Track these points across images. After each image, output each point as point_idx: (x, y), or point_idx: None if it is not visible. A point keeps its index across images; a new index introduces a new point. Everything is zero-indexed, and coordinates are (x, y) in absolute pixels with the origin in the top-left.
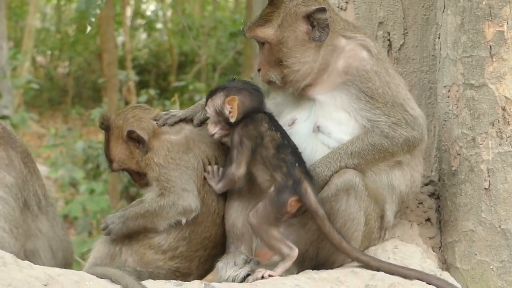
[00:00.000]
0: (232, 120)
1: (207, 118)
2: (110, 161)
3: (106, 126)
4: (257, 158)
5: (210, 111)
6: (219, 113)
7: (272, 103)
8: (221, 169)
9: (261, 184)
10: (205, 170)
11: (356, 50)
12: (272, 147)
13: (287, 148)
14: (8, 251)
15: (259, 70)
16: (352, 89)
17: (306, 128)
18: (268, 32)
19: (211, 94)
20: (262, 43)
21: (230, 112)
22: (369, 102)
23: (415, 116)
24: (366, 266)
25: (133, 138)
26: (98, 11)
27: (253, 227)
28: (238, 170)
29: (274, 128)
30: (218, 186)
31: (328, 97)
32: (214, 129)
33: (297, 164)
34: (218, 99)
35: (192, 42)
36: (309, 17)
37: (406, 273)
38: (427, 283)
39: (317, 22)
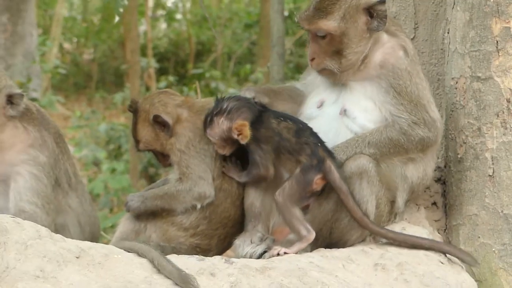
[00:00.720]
0: (244, 142)
1: None
2: (137, 141)
3: (134, 109)
4: (282, 152)
5: (215, 139)
6: (227, 138)
7: (301, 84)
8: (237, 161)
9: (288, 170)
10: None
11: (395, 48)
12: (292, 136)
13: (305, 130)
14: (40, 224)
15: (312, 59)
16: (383, 82)
17: (333, 110)
18: (331, 24)
19: (210, 122)
20: (321, 35)
21: (239, 135)
22: (395, 97)
23: (434, 118)
24: (385, 237)
25: (159, 122)
26: (126, 2)
27: (278, 204)
28: (267, 171)
29: (282, 118)
30: (242, 179)
31: (360, 85)
32: (224, 150)
33: (319, 144)
34: (222, 126)
35: (212, 30)
36: (369, 9)
37: (420, 242)
38: (439, 251)
39: (377, 13)
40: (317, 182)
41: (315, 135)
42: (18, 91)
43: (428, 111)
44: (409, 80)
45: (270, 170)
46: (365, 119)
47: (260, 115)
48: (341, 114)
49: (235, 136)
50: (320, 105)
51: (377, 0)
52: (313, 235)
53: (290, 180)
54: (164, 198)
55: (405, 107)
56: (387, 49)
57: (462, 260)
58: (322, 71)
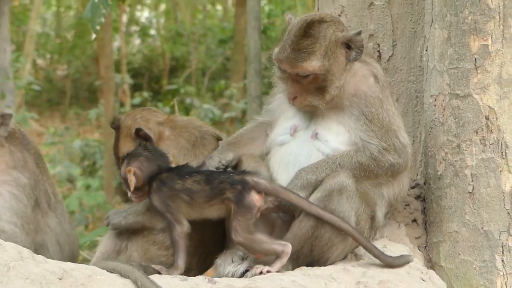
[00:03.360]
0: (131, 188)
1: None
2: (117, 158)
3: (116, 126)
4: (202, 201)
5: (121, 179)
6: (125, 181)
7: (265, 114)
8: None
9: (224, 211)
10: None
11: (366, 76)
12: (204, 185)
13: (212, 173)
14: (20, 244)
15: (294, 98)
16: (355, 110)
17: (305, 134)
18: (315, 64)
19: (122, 161)
20: (304, 75)
21: (130, 181)
22: (366, 124)
23: (404, 144)
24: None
25: (141, 136)
26: (102, 20)
27: (240, 244)
28: (182, 227)
29: (187, 175)
30: (180, 262)
31: (332, 112)
32: (133, 195)
33: (230, 174)
34: (122, 168)
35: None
36: (348, 41)
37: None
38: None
39: (355, 45)
40: (256, 199)
41: (222, 172)
42: (9, 111)
43: (399, 137)
44: (380, 107)
45: (183, 223)
46: (336, 141)
47: (161, 172)
48: (312, 137)
49: (129, 181)
50: (293, 131)
51: (354, 32)
52: (289, 246)
53: (234, 218)
54: (145, 215)
55: (376, 133)
56: (359, 77)
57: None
58: (304, 107)
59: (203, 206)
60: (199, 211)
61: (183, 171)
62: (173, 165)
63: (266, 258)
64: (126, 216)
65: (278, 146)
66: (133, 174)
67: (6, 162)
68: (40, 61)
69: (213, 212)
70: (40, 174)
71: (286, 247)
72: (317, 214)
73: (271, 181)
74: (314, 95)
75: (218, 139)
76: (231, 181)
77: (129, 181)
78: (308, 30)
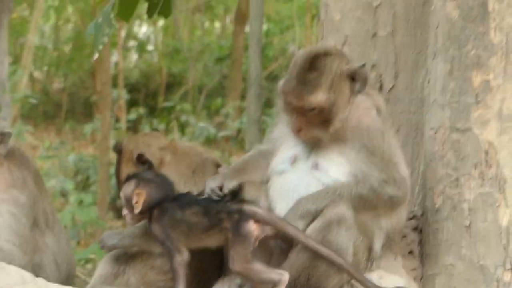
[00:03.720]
0: (135, 211)
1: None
2: (119, 181)
3: (118, 150)
4: (200, 232)
5: (121, 196)
6: (128, 201)
7: (267, 144)
8: None
9: (222, 240)
10: None
11: (370, 109)
12: (201, 218)
13: (210, 204)
14: (17, 264)
15: (299, 130)
16: (356, 142)
17: (305, 165)
18: (322, 97)
19: (126, 180)
20: (309, 109)
21: (136, 203)
22: (367, 156)
23: (404, 177)
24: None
25: (142, 162)
26: (106, 39)
27: (239, 273)
28: (181, 255)
29: (185, 205)
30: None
31: (333, 143)
32: (128, 216)
33: (227, 203)
34: (129, 187)
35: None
36: (352, 74)
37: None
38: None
39: (359, 77)
40: (253, 229)
41: (220, 200)
42: (8, 130)
43: (399, 170)
44: (382, 140)
45: (182, 251)
46: (337, 172)
47: (164, 200)
48: (312, 168)
49: (133, 203)
50: (294, 161)
51: (359, 65)
52: (286, 275)
53: (232, 247)
54: (142, 238)
55: (377, 165)
56: (362, 110)
57: None
58: (309, 139)
59: (201, 237)
60: (198, 241)
61: (183, 200)
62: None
63: (264, 287)
64: (122, 238)
65: (277, 175)
66: (142, 198)
67: (5, 180)
68: (37, 74)
69: (211, 241)
70: (38, 193)
71: (283, 276)
72: (313, 248)
73: (270, 210)
74: (319, 128)
75: (218, 166)
76: (228, 210)
77: (134, 203)
78: (314, 63)
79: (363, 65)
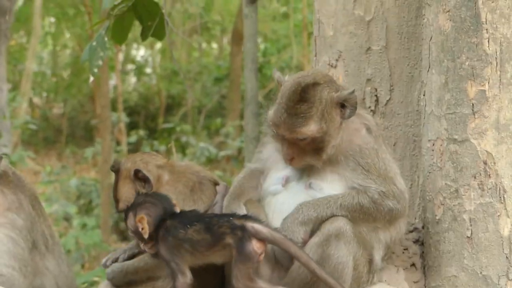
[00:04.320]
0: (146, 236)
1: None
2: (116, 201)
3: (116, 169)
4: (204, 250)
5: (130, 233)
6: (137, 233)
7: (257, 163)
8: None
9: (224, 257)
10: None
11: (359, 129)
12: (204, 234)
13: (212, 219)
14: None
15: (291, 159)
16: (350, 162)
17: (298, 186)
18: (314, 128)
19: (125, 216)
20: (301, 139)
21: (142, 229)
22: (363, 173)
23: (401, 190)
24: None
25: (139, 178)
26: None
27: None
28: (185, 278)
29: (188, 225)
30: None
31: (326, 165)
32: (145, 247)
33: (230, 218)
34: (130, 220)
35: (185, 84)
36: (343, 101)
37: None
38: None
39: (349, 103)
40: (257, 248)
41: (222, 215)
42: (5, 150)
43: (396, 184)
44: (376, 157)
45: (186, 274)
46: (331, 189)
47: (165, 217)
48: (306, 188)
49: (140, 230)
50: (285, 182)
51: (348, 92)
52: None
53: (235, 265)
54: (146, 269)
55: (374, 180)
56: (352, 131)
57: None
58: (301, 166)
59: (206, 254)
60: (203, 258)
61: (185, 218)
62: (178, 208)
63: None
64: (126, 275)
65: (271, 196)
66: (146, 221)
67: (0, 204)
68: (36, 100)
69: (217, 258)
70: (36, 216)
71: None
72: (313, 271)
73: (273, 229)
74: (311, 156)
75: (216, 184)
76: (231, 225)
77: (142, 229)
78: (304, 94)
79: (353, 91)
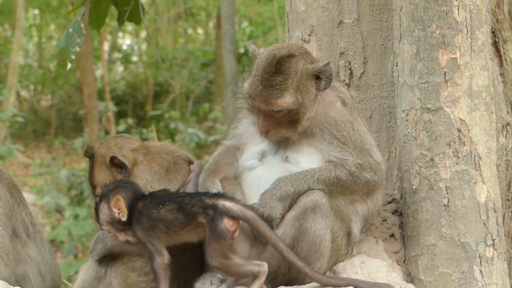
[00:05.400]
0: (124, 218)
1: None
2: (93, 186)
3: (90, 155)
4: (177, 229)
5: (106, 227)
6: (113, 221)
7: (233, 140)
8: None
9: (198, 235)
10: None
11: (334, 102)
12: (176, 214)
13: (184, 199)
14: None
15: (266, 132)
16: (326, 135)
17: (274, 159)
18: (289, 100)
19: (96, 212)
20: (276, 111)
21: (119, 213)
22: (340, 146)
23: (378, 162)
24: (301, 271)
25: (116, 164)
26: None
27: (218, 268)
28: (162, 258)
29: (161, 205)
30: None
31: (302, 137)
32: (124, 237)
33: (202, 197)
34: (104, 211)
35: (166, 73)
36: (318, 73)
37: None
38: None
39: (324, 75)
40: (229, 225)
41: (194, 194)
42: None
43: (372, 155)
44: (351, 129)
45: (163, 254)
46: (308, 162)
47: (137, 198)
48: (283, 161)
49: (117, 215)
50: (262, 156)
51: (323, 63)
52: (265, 265)
53: (208, 244)
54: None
55: (351, 152)
56: (327, 103)
57: None
58: (277, 138)
59: (180, 233)
60: (178, 237)
61: (156, 199)
62: (146, 191)
63: (245, 280)
64: (104, 240)
65: (248, 171)
66: (121, 202)
67: None
68: (23, 93)
69: (192, 236)
70: (15, 204)
71: (262, 267)
72: (281, 252)
73: (245, 207)
74: (286, 128)
75: (190, 163)
76: (203, 205)
77: (119, 212)
78: (279, 66)
79: (328, 63)
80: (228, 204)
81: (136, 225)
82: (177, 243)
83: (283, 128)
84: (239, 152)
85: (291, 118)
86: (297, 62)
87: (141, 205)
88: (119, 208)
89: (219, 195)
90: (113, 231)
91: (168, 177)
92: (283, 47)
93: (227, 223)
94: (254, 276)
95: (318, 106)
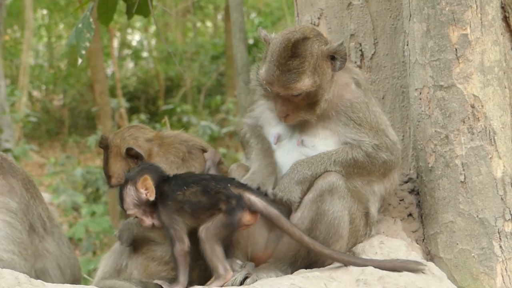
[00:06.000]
0: (152, 198)
1: None
2: (108, 177)
3: (105, 145)
4: (199, 213)
5: (134, 211)
6: (140, 203)
7: (250, 120)
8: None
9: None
10: None
11: (349, 84)
12: (201, 197)
13: (209, 182)
14: (19, 272)
15: (285, 117)
16: (342, 117)
17: (290, 143)
18: (308, 83)
19: (121, 197)
20: (295, 95)
21: (147, 193)
22: (356, 127)
23: (394, 141)
24: (331, 258)
25: (132, 155)
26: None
27: (201, 240)
28: (182, 245)
29: (185, 186)
30: (181, 278)
31: (318, 120)
32: (151, 220)
33: (229, 184)
34: (131, 193)
35: (178, 67)
36: (333, 53)
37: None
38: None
39: (339, 55)
40: (247, 220)
41: (220, 179)
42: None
43: (388, 135)
44: (367, 111)
45: (184, 241)
46: (324, 145)
47: (163, 185)
48: (298, 144)
49: (144, 196)
50: (277, 140)
51: (338, 43)
52: (230, 274)
53: (216, 220)
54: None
55: (367, 133)
56: (342, 85)
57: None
58: (295, 122)
59: (201, 217)
60: (200, 221)
61: (181, 180)
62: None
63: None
64: (130, 227)
65: None
66: (149, 181)
67: None
68: (35, 93)
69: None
70: (31, 199)
71: (227, 273)
72: (308, 246)
73: (269, 203)
74: (305, 111)
75: (204, 151)
76: (228, 193)
77: (147, 192)
78: (295, 50)
79: (342, 43)
80: (253, 198)
81: (161, 208)
82: (197, 226)
83: (302, 111)
84: (260, 128)
85: (310, 101)
86: (312, 44)
87: (166, 187)
88: (146, 188)
89: (246, 187)
90: (139, 214)
91: (186, 165)
92: (296, 31)
93: (245, 217)
94: (216, 276)
95: (334, 87)
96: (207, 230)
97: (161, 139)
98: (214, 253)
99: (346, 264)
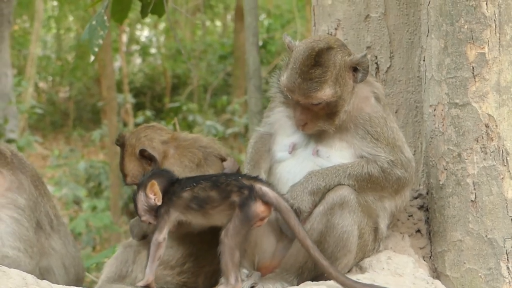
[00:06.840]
0: (159, 202)
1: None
2: (124, 175)
3: (121, 143)
4: (209, 207)
5: (145, 216)
6: (150, 209)
7: (265, 128)
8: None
9: (228, 216)
10: None
11: (369, 97)
12: (210, 191)
13: (219, 177)
14: (24, 269)
15: (304, 125)
16: (359, 130)
17: (305, 152)
18: (328, 93)
19: (135, 205)
20: (315, 104)
21: (155, 197)
22: (373, 141)
23: (409, 159)
24: (326, 272)
25: (145, 156)
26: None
27: (224, 245)
28: (159, 234)
29: (194, 183)
30: (147, 270)
31: (335, 132)
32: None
33: (239, 177)
34: (141, 198)
35: (188, 64)
36: (356, 65)
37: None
38: None
39: (361, 67)
40: (261, 210)
41: (230, 174)
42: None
43: (404, 152)
44: (385, 126)
45: (163, 232)
46: (340, 157)
47: (173, 187)
48: (313, 154)
49: (153, 201)
50: (292, 149)
51: (361, 55)
52: (239, 285)
53: (233, 220)
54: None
55: (383, 149)
56: (361, 98)
57: None
58: (313, 132)
59: (211, 212)
60: (208, 218)
61: (190, 179)
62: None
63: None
64: (140, 223)
65: (277, 163)
66: (156, 186)
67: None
68: (42, 84)
69: (222, 218)
70: (39, 196)
71: (236, 285)
72: (308, 248)
73: (281, 195)
74: (324, 121)
75: (223, 159)
76: (239, 184)
77: (155, 197)
78: (318, 59)
79: (365, 55)
80: (265, 188)
81: (165, 204)
82: (207, 225)
83: (320, 121)
84: (272, 139)
85: (330, 111)
86: (335, 55)
87: (176, 187)
88: (154, 193)
89: (257, 179)
90: (151, 220)
91: (200, 171)
92: (321, 40)
93: (259, 207)
94: (225, 283)
95: (354, 99)
96: (228, 232)
97: (178, 142)
98: (233, 259)
99: (340, 283)
